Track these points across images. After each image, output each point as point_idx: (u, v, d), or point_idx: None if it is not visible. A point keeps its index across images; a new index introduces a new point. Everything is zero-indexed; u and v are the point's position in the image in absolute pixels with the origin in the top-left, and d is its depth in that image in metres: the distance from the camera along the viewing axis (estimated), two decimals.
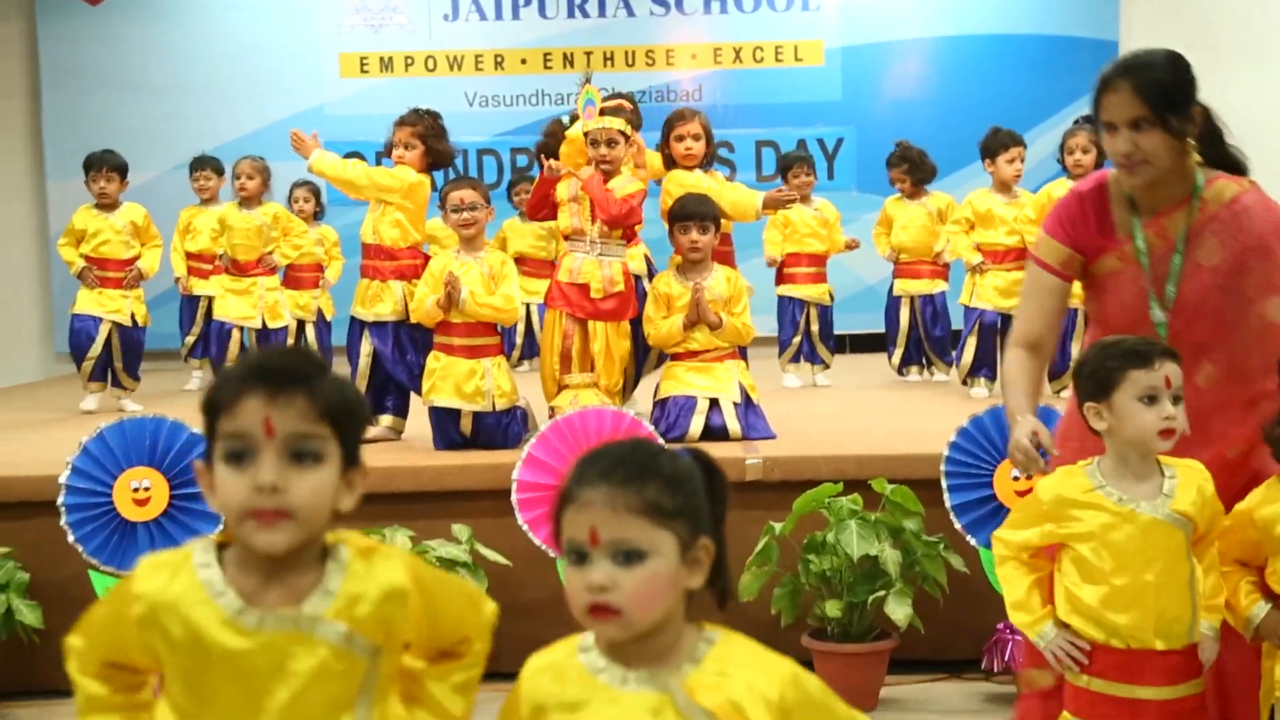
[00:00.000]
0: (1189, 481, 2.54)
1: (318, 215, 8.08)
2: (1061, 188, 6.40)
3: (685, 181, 5.49)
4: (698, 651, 1.60)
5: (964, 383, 6.60)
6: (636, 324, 5.40)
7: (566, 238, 5.40)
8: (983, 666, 4.45)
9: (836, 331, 7.50)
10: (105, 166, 6.75)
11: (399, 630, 1.66)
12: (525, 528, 4.31)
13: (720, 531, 1.64)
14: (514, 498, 4.32)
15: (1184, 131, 2.73)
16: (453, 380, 5.03)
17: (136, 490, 4.23)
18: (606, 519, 1.53)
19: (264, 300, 7.19)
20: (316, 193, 7.95)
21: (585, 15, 9.75)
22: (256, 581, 1.62)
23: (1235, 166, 2.86)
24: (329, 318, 7.94)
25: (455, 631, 1.76)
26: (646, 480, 1.55)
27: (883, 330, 7.73)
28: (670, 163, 5.58)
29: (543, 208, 5.51)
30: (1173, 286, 2.76)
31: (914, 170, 7.37)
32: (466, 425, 5.07)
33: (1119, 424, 2.50)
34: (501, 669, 4.64)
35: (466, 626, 1.77)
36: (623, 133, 5.33)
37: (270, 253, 7.25)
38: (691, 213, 5.17)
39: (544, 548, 4.31)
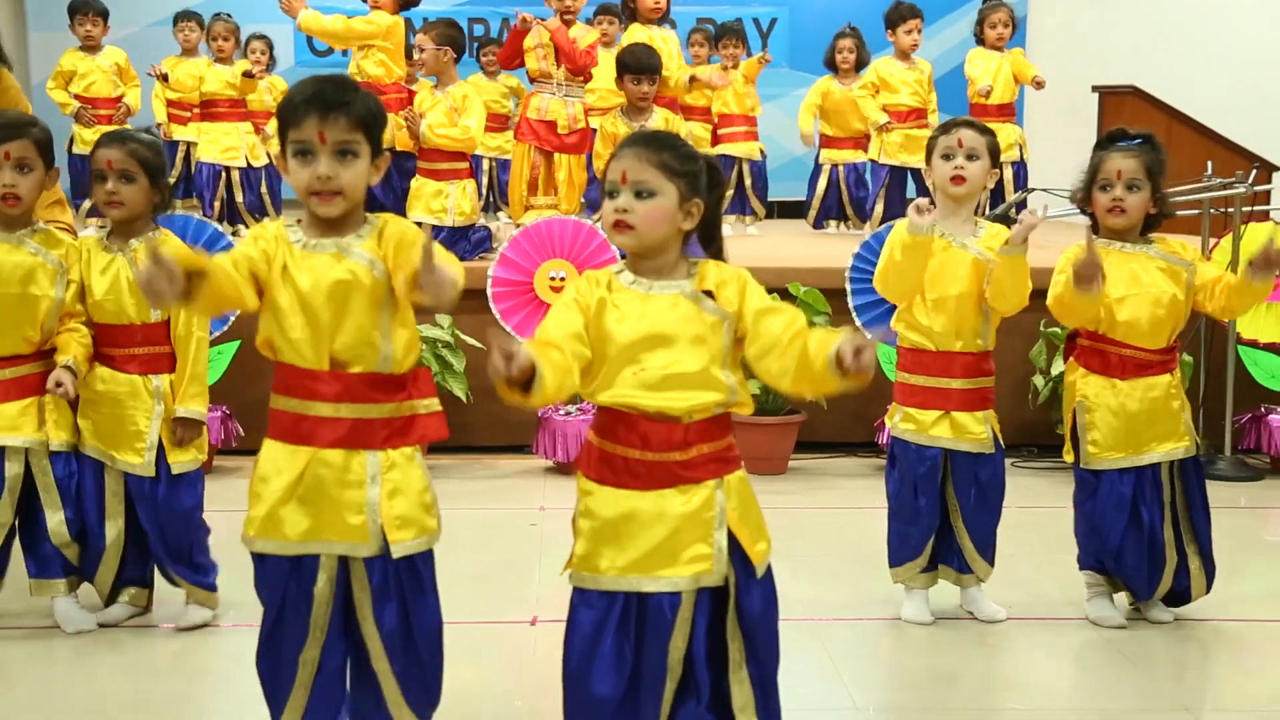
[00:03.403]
0: (993, 233, 3.46)
1: (269, 68, 8.49)
2: (980, 53, 7.26)
3: (642, 38, 6.25)
4: (691, 270, 2.37)
5: None
6: None
7: (533, 80, 6.16)
8: (877, 440, 5.38)
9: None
10: (90, 11, 7.41)
11: (399, 260, 2.34)
12: (498, 315, 5.13)
13: (718, 208, 2.42)
14: (489, 290, 5.14)
15: None
16: (424, 199, 5.84)
17: None
18: (632, 166, 2.30)
19: (245, 141, 7.83)
20: (270, 46, 8.53)
21: None
22: (319, 232, 2.40)
23: None
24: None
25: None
26: (663, 148, 2.33)
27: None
28: (631, 15, 6.32)
29: (515, 57, 6.25)
30: None
31: (860, 48, 7.95)
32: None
33: (933, 175, 3.42)
34: (474, 442, 5.53)
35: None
36: None
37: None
38: (644, 65, 5.86)
39: (515, 336, 5.13)
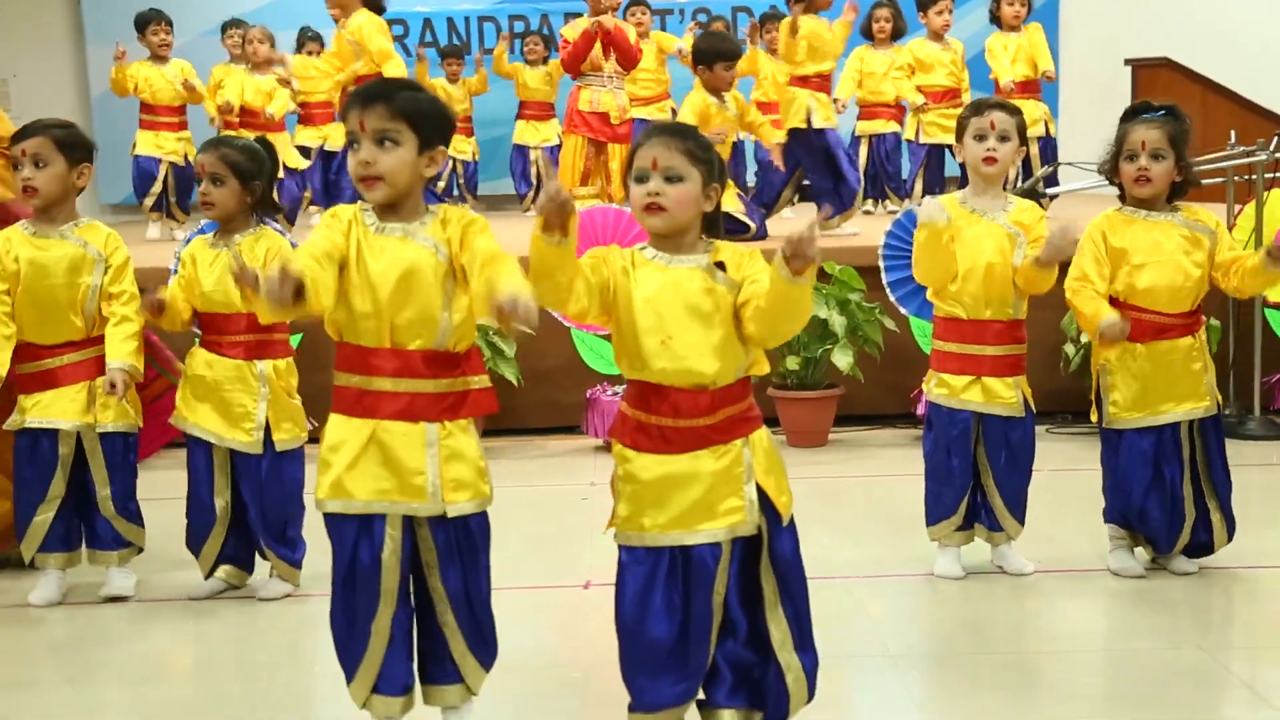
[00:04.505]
0: (1022, 208, 3.65)
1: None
2: (998, 39, 7.40)
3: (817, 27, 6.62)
4: (709, 248, 2.58)
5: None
6: None
7: (582, 73, 6.43)
8: (912, 410, 5.56)
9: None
10: (162, 20, 7.70)
11: (463, 246, 2.59)
12: None
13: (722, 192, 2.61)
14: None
15: None
16: None
17: None
18: (662, 153, 2.51)
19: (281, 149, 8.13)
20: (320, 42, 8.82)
21: None
22: (387, 218, 2.59)
23: None
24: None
25: (485, 250, 2.64)
26: (688, 137, 2.55)
27: None
28: (807, 6, 6.57)
29: (583, 61, 6.54)
30: None
31: (897, 18, 8.11)
32: None
33: (965, 155, 3.59)
34: (525, 424, 5.76)
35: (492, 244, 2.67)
36: None
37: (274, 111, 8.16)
38: (738, 52, 6.21)
39: (562, 320, 5.35)
